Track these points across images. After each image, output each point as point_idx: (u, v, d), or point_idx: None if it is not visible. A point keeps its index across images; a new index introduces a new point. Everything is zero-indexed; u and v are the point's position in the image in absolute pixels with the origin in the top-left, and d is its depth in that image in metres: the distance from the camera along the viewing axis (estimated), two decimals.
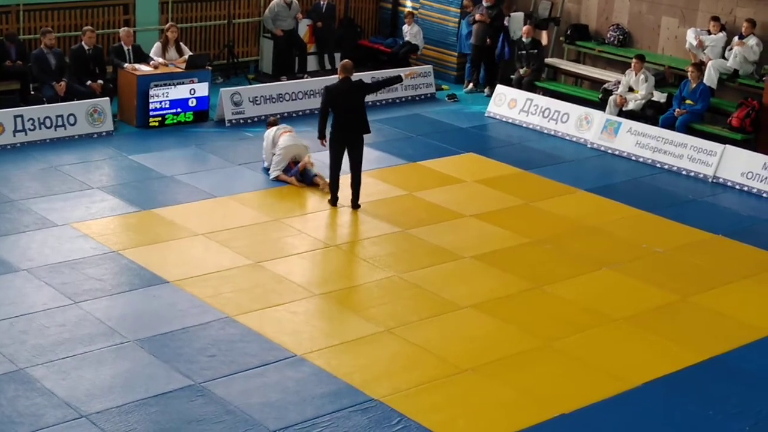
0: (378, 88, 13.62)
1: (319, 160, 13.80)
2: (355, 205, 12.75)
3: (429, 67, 18.45)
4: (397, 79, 13.45)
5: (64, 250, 11.08)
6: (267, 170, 13.78)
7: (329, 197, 12.89)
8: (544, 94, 17.52)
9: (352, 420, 8.32)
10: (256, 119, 16.11)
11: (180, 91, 15.53)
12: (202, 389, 8.60)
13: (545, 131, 16.57)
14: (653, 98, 16.51)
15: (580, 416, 8.62)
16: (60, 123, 14.64)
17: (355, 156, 12.68)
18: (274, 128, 13.94)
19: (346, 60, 13.08)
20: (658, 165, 15.30)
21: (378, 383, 8.88)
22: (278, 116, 15.16)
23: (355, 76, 12.89)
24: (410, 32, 19.32)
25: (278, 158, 13.55)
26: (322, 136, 12.80)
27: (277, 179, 13.54)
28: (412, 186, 13.73)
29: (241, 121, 16.03)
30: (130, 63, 15.59)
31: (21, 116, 14.35)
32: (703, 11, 16.98)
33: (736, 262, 12.06)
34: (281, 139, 13.67)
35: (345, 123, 12.58)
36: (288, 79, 17.77)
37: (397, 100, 17.76)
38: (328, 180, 13.07)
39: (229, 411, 8.31)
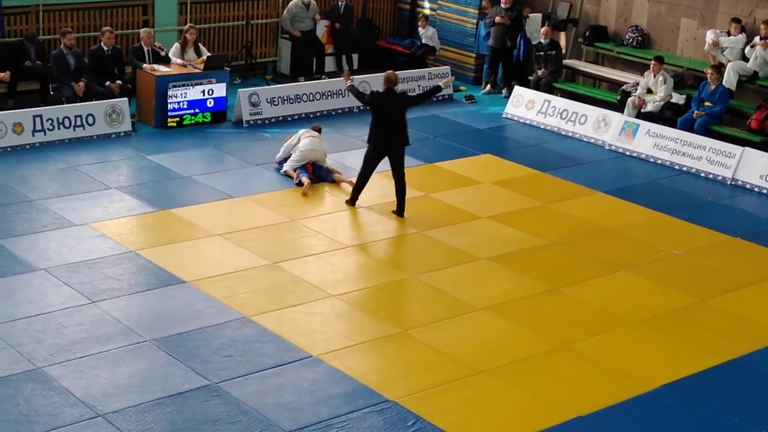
0: (420, 100, 13.27)
1: (338, 161, 13.82)
2: (400, 213, 12.63)
3: (447, 68, 18.44)
4: (437, 89, 13.13)
5: (82, 249, 11.13)
6: (279, 165, 13.85)
7: (348, 197, 12.90)
8: (562, 96, 17.48)
9: (368, 421, 8.33)
10: (273, 120, 16.14)
11: (198, 92, 15.58)
12: (218, 389, 8.63)
13: (563, 133, 16.53)
14: (672, 100, 16.45)
15: (596, 419, 8.59)
16: (79, 123, 14.70)
17: (396, 165, 12.60)
18: (304, 131, 13.99)
19: (390, 71, 12.92)
20: (677, 167, 15.24)
21: (393, 384, 8.88)
22: (318, 126, 14.52)
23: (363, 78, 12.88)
24: (425, 35, 19.32)
25: (296, 157, 13.58)
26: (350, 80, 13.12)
27: (285, 173, 13.58)
28: (429, 187, 13.72)
29: (259, 121, 16.05)
30: (149, 63, 15.64)
31: (40, 116, 14.42)
32: (723, 13, 16.91)
33: (754, 265, 11.99)
34: (303, 141, 13.71)
35: (385, 132, 12.56)
36: (306, 80, 17.79)
37: None
38: (345, 179, 13.16)
39: (245, 411, 8.33)
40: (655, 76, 16.41)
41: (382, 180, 13.04)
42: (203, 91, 15.62)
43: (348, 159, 14.42)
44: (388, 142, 12.60)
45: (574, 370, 9.39)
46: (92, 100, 15.10)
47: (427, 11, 19.87)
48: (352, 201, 12.85)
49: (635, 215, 13.31)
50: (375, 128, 12.63)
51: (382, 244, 11.89)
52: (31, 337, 9.25)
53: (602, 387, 9.12)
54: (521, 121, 17.07)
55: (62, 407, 8.21)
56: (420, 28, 19.45)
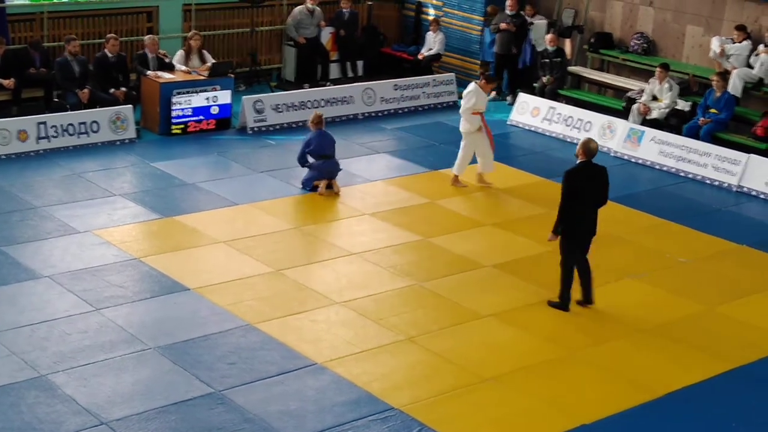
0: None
1: (343, 169, 13.80)
2: (587, 302, 10.66)
3: (451, 75, 18.42)
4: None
5: (85, 257, 11.11)
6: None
7: (556, 301, 10.61)
8: (567, 103, 17.44)
9: (372, 429, 8.28)
10: (278, 127, 16.12)
11: (202, 99, 15.57)
12: (222, 397, 8.59)
13: (568, 140, 16.49)
14: (677, 107, 16.41)
15: (602, 426, 8.55)
16: (83, 130, 14.69)
17: (583, 251, 10.56)
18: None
19: (590, 139, 10.50)
20: (682, 174, 15.19)
21: (398, 392, 8.84)
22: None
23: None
24: (435, 39, 19.29)
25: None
26: (557, 232, 10.28)
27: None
28: (434, 194, 13.68)
29: (264, 128, 16.03)
30: (153, 70, 15.63)
31: (44, 123, 14.42)
32: (728, 20, 16.87)
33: (761, 272, 11.94)
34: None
35: (586, 219, 10.36)
36: (310, 87, 17.79)
37: (420, 108, 17.73)
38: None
39: (248, 419, 8.29)
40: (660, 83, 16.38)
41: (387, 187, 13.01)
42: (208, 98, 15.61)
43: (353, 165, 14.39)
44: (587, 229, 10.43)
45: (580, 377, 9.34)
46: (97, 107, 15.10)
47: (431, 18, 19.84)
48: (565, 306, 10.55)
49: (641, 222, 13.26)
50: (572, 214, 10.23)
51: (386, 252, 11.86)
52: (34, 344, 9.22)
53: (608, 394, 9.06)
54: (526, 128, 17.04)
55: (66, 415, 8.17)
56: (431, 32, 19.41)
